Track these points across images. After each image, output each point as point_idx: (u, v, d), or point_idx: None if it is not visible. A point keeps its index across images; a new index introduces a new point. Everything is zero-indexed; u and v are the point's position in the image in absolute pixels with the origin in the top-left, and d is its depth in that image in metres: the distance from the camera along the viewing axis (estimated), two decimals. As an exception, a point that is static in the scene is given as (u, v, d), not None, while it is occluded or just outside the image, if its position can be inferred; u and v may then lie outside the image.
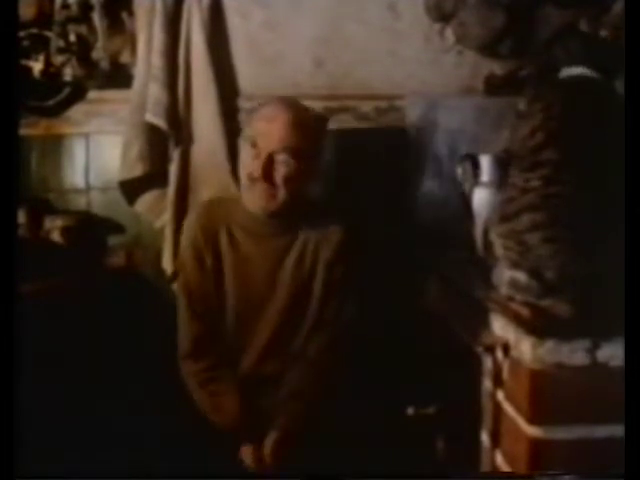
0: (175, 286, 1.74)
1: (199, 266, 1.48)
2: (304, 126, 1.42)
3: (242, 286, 1.48)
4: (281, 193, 1.41)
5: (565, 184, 0.96)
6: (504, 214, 1.02)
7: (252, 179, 1.41)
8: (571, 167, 0.97)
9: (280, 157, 1.39)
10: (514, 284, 0.98)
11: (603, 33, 1.49)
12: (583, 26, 1.61)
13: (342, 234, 1.49)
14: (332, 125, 1.90)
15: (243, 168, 1.45)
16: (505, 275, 1.01)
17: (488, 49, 1.81)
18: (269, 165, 1.39)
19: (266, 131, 1.40)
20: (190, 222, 1.54)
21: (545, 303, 0.94)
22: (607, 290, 0.90)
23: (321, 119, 1.53)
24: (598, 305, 0.90)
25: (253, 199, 1.43)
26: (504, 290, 1.01)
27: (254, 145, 1.41)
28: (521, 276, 0.97)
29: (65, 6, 1.87)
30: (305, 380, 1.43)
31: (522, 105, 1.12)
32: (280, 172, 1.40)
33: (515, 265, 0.98)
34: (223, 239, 1.49)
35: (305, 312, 1.47)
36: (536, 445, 0.88)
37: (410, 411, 1.31)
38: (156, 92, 1.75)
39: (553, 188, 0.96)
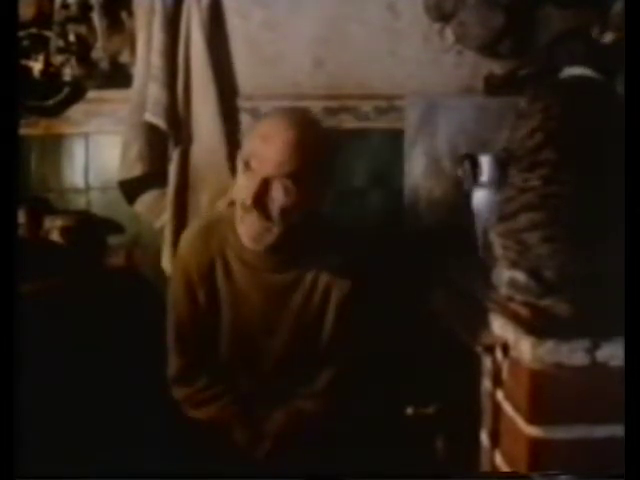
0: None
1: (191, 299, 1.38)
2: (308, 147, 1.22)
3: (240, 319, 1.38)
4: (277, 226, 1.24)
5: (564, 184, 0.96)
6: (503, 214, 1.02)
7: (245, 207, 1.24)
8: (570, 167, 0.97)
9: (277, 183, 1.21)
10: (513, 284, 0.98)
11: (601, 33, 1.49)
12: (583, 27, 1.61)
13: (354, 275, 1.36)
14: (332, 125, 1.92)
15: (237, 194, 1.27)
16: (504, 275, 1.01)
17: (488, 49, 1.81)
18: (263, 192, 1.21)
19: (261, 152, 1.22)
20: (183, 250, 1.40)
21: (544, 303, 0.94)
22: (607, 290, 0.90)
23: (331, 136, 1.37)
24: (598, 305, 0.90)
25: (246, 231, 1.27)
26: (504, 290, 1.01)
27: (247, 167, 1.23)
28: (520, 276, 0.97)
29: (65, 6, 1.87)
30: (309, 409, 1.40)
31: (523, 104, 1.11)
32: (277, 201, 1.22)
33: (514, 265, 0.98)
34: (219, 271, 1.36)
35: (313, 349, 1.39)
36: (535, 445, 0.88)
37: (410, 411, 1.31)
38: (155, 92, 1.75)
39: (552, 188, 0.96)
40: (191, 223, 1.58)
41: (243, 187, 1.25)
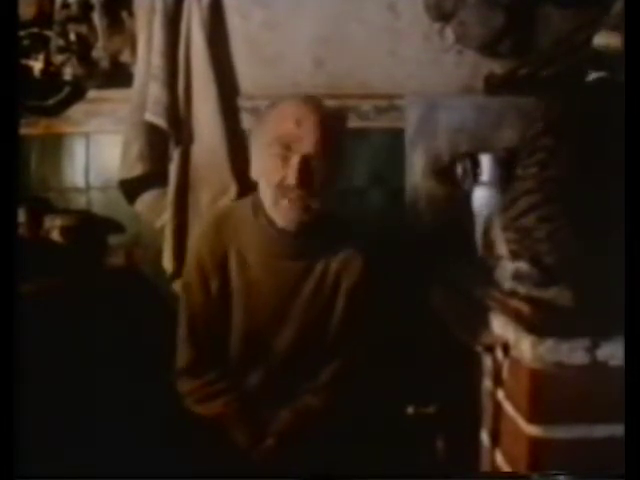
0: (175, 287, 1.74)
1: (204, 290, 1.40)
2: (331, 128, 1.31)
3: (251, 310, 1.40)
4: (315, 203, 1.30)
5: (561, 167, 0.96)
6: (504, 205, 1.03)
7: (284, 188, 1.29)
8: (567, 151, 0.97)
9: (313, 160, 1.28)
10: (517, 275, 0.98)
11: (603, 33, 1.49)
12: (584, 26, 1.61)
13: (364, 264, 1.40)
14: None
15: (269, 178, 1.31)
16: (509, 268, 1.01)
17: (488, 49, 1.81)
18: (304, 170, 1.27)
19: (297, 134, 1.28)
20: (197, 241, 1.45)
21: (546, 294, 0.93)
22: (607, 289, 0.90)
23: (341, 118, 1.42)
24: (599, 303, 0.90)
25: (285, 211, 1.31)
26: (508, 284, 1.01)
27: (286, 148, 1.28)
28: (523, 265, 0.97)
29: (65, 5, 1.87)
30: (314, 405, 1.40)
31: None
32: (315, 176, 1.28)
33: (517, 256, 0.99)
34: (232, 261, 1.39)
35: (322, 340, 1.41)
36: (536, 445, 0.88)
37: (410, 411, 1.31)
38: (156, 91, 1.74)
39: (549, 172, 0.96)
40: (205, 217, 1.60)
41: (275, 169, 1.29)
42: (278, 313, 1.40)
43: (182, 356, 1.43)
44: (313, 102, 1.35)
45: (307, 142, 1.28)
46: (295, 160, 1.27)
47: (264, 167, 1.33)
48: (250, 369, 1.43)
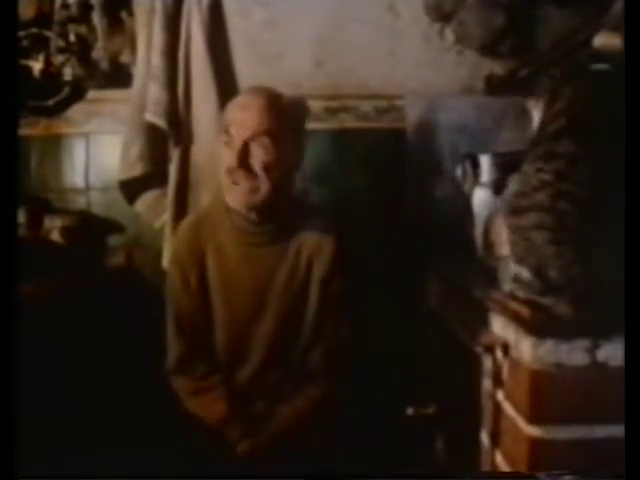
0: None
1: (185, 287, 1.43)
2: (280, 110, 1.35)
3: (231, 303, 1.42)
4: (264, 184, 1.32)
5: (578, 183, 0.94)
6: (514, 208, 1.01)
7: (231, 172, 1.33)
8: (586, 163, 0.95)
9: (256, 143, 1.31)
10: (518, 279, 0.98)
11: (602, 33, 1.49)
12: (584, 26, 1.61)
13: (335, 246, 1.41)
14: (332, 125, 1.93)
15: (222, 166, 1.35)
16: (510, 270, 1.00)
17: (488, 49, 1.81)
18: (244, 152, 1.31)
19: (240, 119, 1.33)
20: (176, 243, 1.50)
21: (546, 301, 0.93)
22: (607, 290, 0.90)
23: (300, 103, 1.44)
24: (598, 305, 0.90)
25: (235, 194, 1.35)
26: (507, 285, 1.00)
27: (228, 134, 1.33)
28: (525, 272, 0.96)
29: (65, 6, 1.88)
30: (308, 392, 1.41)
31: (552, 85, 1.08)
32: (258, 158, 1.32)
33: (520, 261, 0.98)
34: (210, 258, 1.43)
35: (301, 325, 1.42)
36: (536, 445, 0.88)
37: (410, 411, 1.31)
38: (156, 92, 1.74)
39: (564, 185, 0.94)
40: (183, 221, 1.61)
41: (225, 156, 1.34)
42: (256, 300, 1.42)
43: (171, 354, 1.45)
44: (265, 91, 1.38)
45: (250, 125, 1.32)
46: (238, 143, 1.31)
47: (222, 158, 1.36)
48: (238, 360, 1.44)
